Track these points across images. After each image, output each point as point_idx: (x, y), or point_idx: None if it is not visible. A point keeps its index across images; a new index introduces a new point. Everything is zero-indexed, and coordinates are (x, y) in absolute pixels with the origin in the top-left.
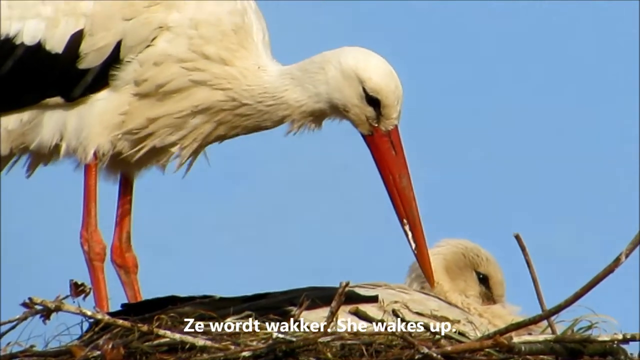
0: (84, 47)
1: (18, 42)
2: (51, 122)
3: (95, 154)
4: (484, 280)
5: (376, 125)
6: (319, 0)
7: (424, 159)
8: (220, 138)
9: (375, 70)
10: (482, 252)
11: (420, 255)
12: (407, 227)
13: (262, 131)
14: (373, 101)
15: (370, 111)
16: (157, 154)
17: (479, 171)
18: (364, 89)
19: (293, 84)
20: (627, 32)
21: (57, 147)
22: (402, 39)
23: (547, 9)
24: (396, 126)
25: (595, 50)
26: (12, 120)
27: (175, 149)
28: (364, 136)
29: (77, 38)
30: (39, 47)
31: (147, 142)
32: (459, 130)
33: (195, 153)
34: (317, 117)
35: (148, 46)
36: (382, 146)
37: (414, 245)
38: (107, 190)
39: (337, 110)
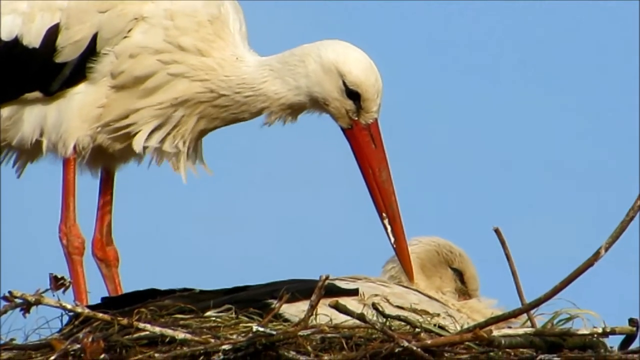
0: (61, 40)
1: None
2: (31, 117)
3: (74, 147)
4: (458, 275)
5: (356, 118)
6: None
7: (402, 153)
8: (202, 133)
9: (356, 63)
10: (455, 248)
11: (400, 249)
12: (386, 221)
13: (239, 122)
14: (353, 95)
15: (350, 104)
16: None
17: (453, 166)
18: (344, 83)
19: (272, 75)
20: (627, 32)
21: (38, 142)
22: (386, 34)
23: (547, 9)
24: (376, 120)
25: (595, 50)
26: None
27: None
28: (343, 130)
29: (53, 32)
30: (16, 43)
31: (126, 130)
32: (440, 124)
33: (180, 149)
34: (295, 110)
35: (124, 37)
36: (362, 139)
37: (392, 239)
38: (88, 183)
39: (316, 104)
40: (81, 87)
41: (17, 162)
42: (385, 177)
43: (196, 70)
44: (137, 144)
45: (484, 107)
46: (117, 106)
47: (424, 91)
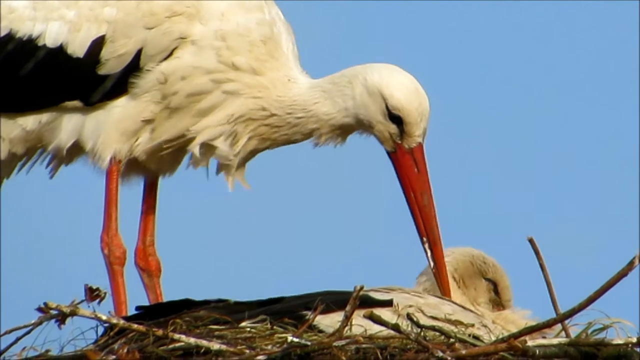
0: (105, 53)
1: (40, 43)
2: (69, 125)
3: (112, 159)
4: (492, 285)
5: (399, 142)
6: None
7: (433, 161)
8: (253, 152)
9: (399, 87)
10: (488, 259)
11: (439, 273)
12: (426, 246)
13: (291, 144)
14: (395, 118)
15: (393, 128)
16: (172, 160)
17: (482, 173)
18: (386, 106)
19: (323, 97)
20: (627, 32)
21: (74, 150)
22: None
23: (547, 9)
24: (420, 144)
25: (595, 50)
26: (31, 121)
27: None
28: (388, 153)
29: (98, 44)
30: (60, 50)
31: (181, 144)
32: (462, 133)
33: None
34: (344, 131)
35: (171, 57)
36: (405, 163)
37: (432, 264)
38: (131, 193)
39: (363, 126)
40: (121, 101)
41: (51, 162)
42: (427, 201)
43: (250, 88)
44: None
45: (513, 115)
46: (172, 126)
47: (457, 99)
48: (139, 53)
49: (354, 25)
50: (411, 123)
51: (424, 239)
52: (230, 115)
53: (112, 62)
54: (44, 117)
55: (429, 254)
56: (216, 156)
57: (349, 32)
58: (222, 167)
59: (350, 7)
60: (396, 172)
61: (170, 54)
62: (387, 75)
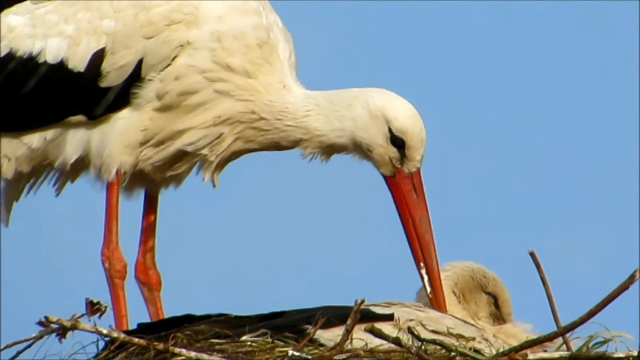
0: (106, 65)
1: (41, 60)
2: (74, 140)
3: (117, 172)
4: (492, 299)
5: (399, 166)
6: None
7: (430, 174)
8: (236, 154)
9: (402, 111)
10: (488, 273)
11: (437, 298)
12: (423, 271)
13: (276, 150)
14: (398, 142)
15: (394, 152)
16: (179, 170)
17: (479, 182)
18: (389, 129)
19: (316, 111)
20: (627, 32)
21: (80, 164)
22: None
23: (547, 9)
24: (418, 169)
25: (595, 50)
26: (36, 139)
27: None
28: (385, 178)
29: (98, 56)
30: (61, 66)
31: (169, 147)
32: (461, 141)
33: (215, 167)
34: (332, 150)
35: (169, 65)
36: (404, 188)
37: (429, 290)
38: (132, 206)
39: (359, 149)
40: (125, 113)
41: (58, 181)
42: (425, 227)
43: (241, 90)
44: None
45: (510, 124)
46: (162, 127)
47: (448, 108)
48: (139, 63)
49: (353, 30)
50: (413, 147)
51: (421, 264)
52: (217, 117)
53: (113, 74)
54: (49, 133)
55: (425, 279)
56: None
57: (348, 37)
58: (201, 166)
59: (349, 10)
60: (393, 197)
61: (171, 62)
62: (390, 99)
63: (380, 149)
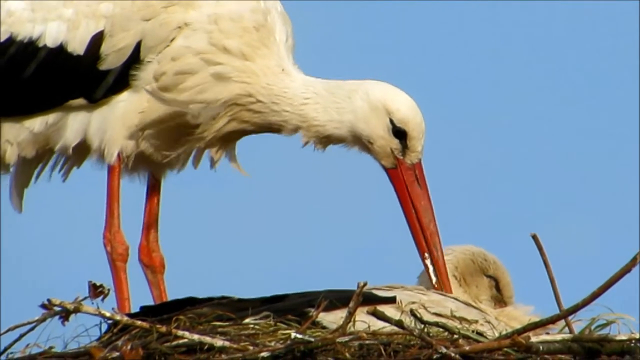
0: (105, 48)
1: (41, 44)
2: (75, 124)
3: (119, 155)
4: (493, 283)
5: (401, 157)
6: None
7: (432, 160)
8: (232, 134)
9: (403, 102)
10: (489, 256)
11: (443, 288)
12: (428, 262)
13: (273, 133)
14: (399, 133)
15: (396, 143)
16: (180, 153)
17: (480, 170)
18: (391, 120)
19: (314, 99)
20: (627, 32)
21: (81, 148)
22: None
23: (547, 9)
24: (420, 160)
25: (595, 51)
26: (38, 123)
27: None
28: (386, 170)
29: (97, 39)
30: (61, 49)
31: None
32: (462, 129)
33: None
34: (328, 140)
35: (167, 46)
36: (408, 179)
37: (434, 279)
38: (136, 189)
39: (359, 141)
40: (124, 95)
41: (64, 166)
42: (429, 218)
43: (239, 72)
44: None
45: (510, 111)
46: (158, 109)
47: (450, 97)
48: (138, 46)
49: (353, 23)
50: (415, 137)
51: (425, 255)
52: (216, 100)
53: (112, 56)
54: (50, 117)
55: (430, 269)
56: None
57: (348, 29)
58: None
59: (350, 6)
60: (396, 188)
61: (169, 44)
62: (390, 91)
63: (381, 141)
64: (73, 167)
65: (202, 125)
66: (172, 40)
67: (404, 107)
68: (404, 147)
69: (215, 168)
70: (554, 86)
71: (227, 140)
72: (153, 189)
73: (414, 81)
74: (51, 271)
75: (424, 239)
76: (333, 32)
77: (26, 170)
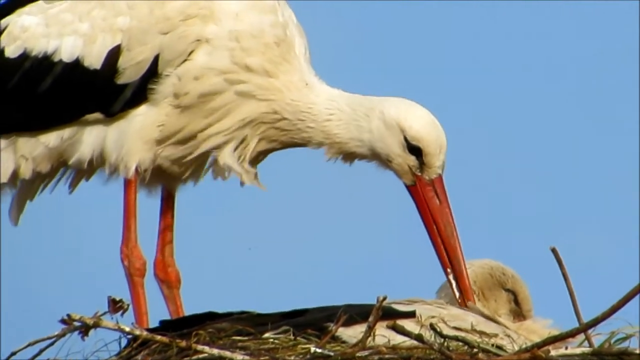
0: (122, 62)
1: (56, 59)
2: (91, 138)
3: (136, 169)
4: (512, 296)
5: (419, 174)
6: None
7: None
8: (261, 154)
9: (417, 119)
10: (507, 270)
11: (467, 303)
12: (451, 277)
13: (300, 147)
14: (415, 150)
15: (412, 160)
16: (196, 166)
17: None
18: (405, 138)
19: (337, 116)
20: (627, 32)
21: (96, 162)
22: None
23: (547, 8)
24: (440, 175)
25: (595, 51)
26: (53, 138)
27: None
28: (407, 187)
29: (114, 53)
30: (77, 64)
31: (193, 148)
32: (484, 141)
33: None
34: (353, 157)
35: (186, 60)
36: (426, 195)
37: (458, 294)
38: (151, 204)
39: (379, 159)
40: (142, 109)
41: (74, 179)
42: (450, 232)
43: (262, 90)
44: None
45: (534, 123)
46: (182, 126)
47: (466, 98)
48: (156, 59)
49: (368, 28)
50: (431, 154)
51: (448, 270)
52: (241, 120)
53: (130, 70)
54: (66, 132)
55: (454, 284)
56: (222, 166)
57: (363, 34)
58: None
59: (365, 7)
60: (417, 204)
61: (187, 58)
62: (404, 109)
63: (399, 159)
64: (81, 180)
65: (236, 151)
66: (190, 54)
67: (416, 124)
68: (421, 164)
69: (244, 184)
70: (576, 98)
71: (257, 161)
72: (167, 203)
73: (429, 90)
74: (71, 286)
75: (446, 254)
76: (346, 35)
77: (33, 183)
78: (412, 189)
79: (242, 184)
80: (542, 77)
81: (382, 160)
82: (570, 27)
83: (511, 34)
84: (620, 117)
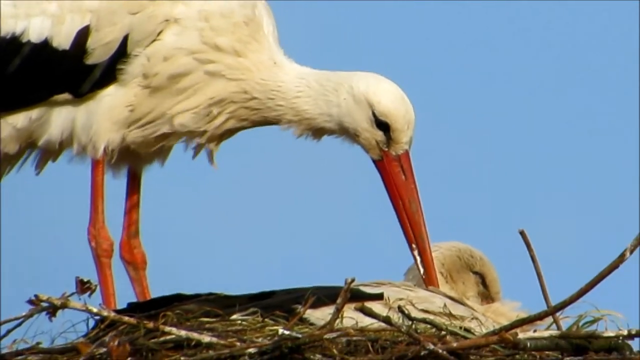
0: (91, 42)
1: (24, 40)
2: (59, 119)
3: (105, 149)
4: (480, 279)
5: (386, 149)
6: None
7: (421, 155)
8: (228, 132)
9: (385, 94)
10: (475, 252)
11: (429, 279)
12: (415, 252)
13: (269, 126)
14: (382, 125)
15: (380, 135)
16: (163, 146)
17: (471, 169)
18: (373, 113)
19: (306, 93)
20: (627, 32)
21: (65, 143)
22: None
23: (547, 8)
24: (406, 151)
25: (595, 50)
26: (21, 118)
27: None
28: (374, 161)
29: (83, 34)
30: (45, 45)
31: (161, 128)
32: (454, 127)
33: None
34: (321, 133)
35: (155, 40)
36: (392, 170)
37: (422, 270)
38: (115, 186)
39: (347, 133)
40: (111, 89)
41: (38, 159)
42: (415, 208)
43: (232, 69)
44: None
45: (502, 108)
46: (152, 107)
47: (439, 92)
48: (125, 39)
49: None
50: (398, 129)
51: (413, 246)
52: (210, 99)
53: (99, 50)
54: (34, 113)
55: (418, 260)
56: (177, 125)
57: (336, 28)
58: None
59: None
60: (383, 179)
61: (156, 38)
62: (373, 83)
63: (366, 133)
64: (49, 161)
65: (200, 126)
66: (159, 34)
67: (385, 99)
68: (388, 139)
69: (215, 163)
70: (542, 84)
71: (224, 135)
72: (133, 185)
73: (404, 74)
74: (38, 267)
75: (411, 229)
76: (312, 15)
77: (1, 164)
78: (379, 164)
79: (195, 153)
80: (520, 68)
81: (349, 134)
82: (571, 27)
83: (501, 30)
84: (586, 102)
